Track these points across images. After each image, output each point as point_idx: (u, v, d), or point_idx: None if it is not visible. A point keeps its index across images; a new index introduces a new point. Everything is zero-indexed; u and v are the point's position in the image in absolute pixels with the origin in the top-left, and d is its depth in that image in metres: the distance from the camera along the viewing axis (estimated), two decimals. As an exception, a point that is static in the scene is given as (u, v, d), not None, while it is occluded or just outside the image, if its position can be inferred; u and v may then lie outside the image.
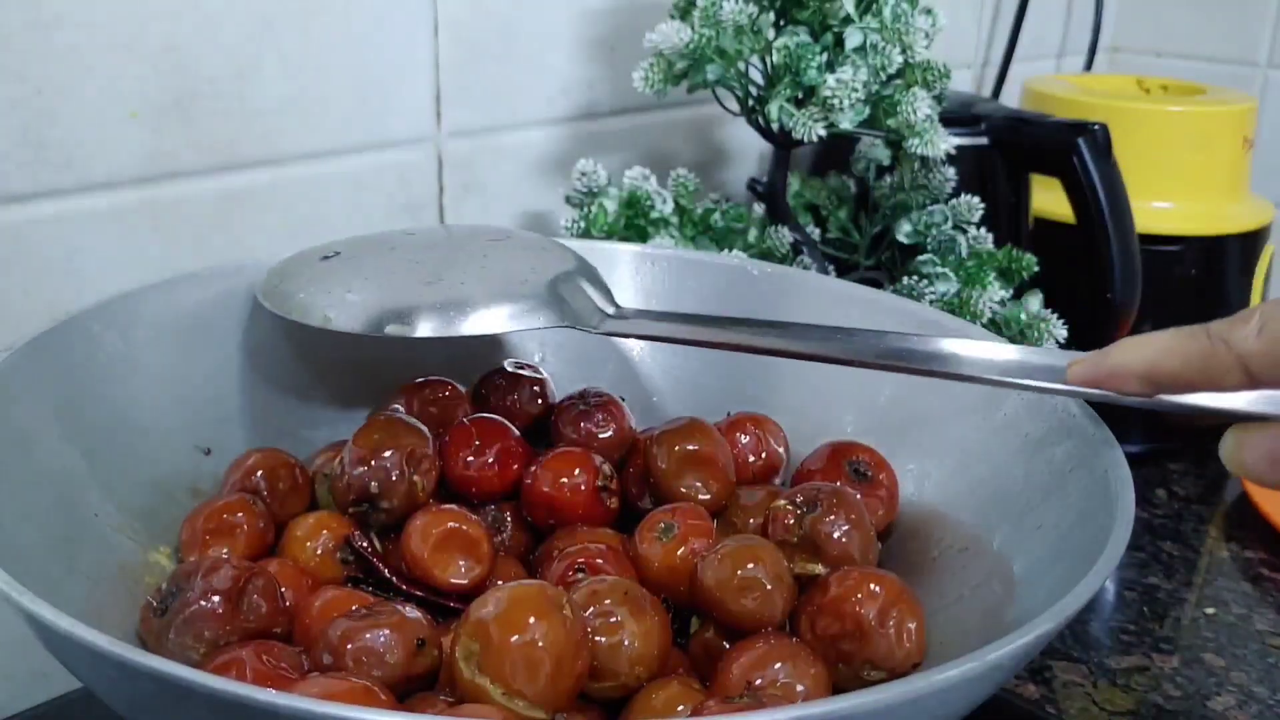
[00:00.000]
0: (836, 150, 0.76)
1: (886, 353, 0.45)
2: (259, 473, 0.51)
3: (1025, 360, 0.43)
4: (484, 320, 0.48)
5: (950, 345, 0.44)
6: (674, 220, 0.72)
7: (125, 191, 0.61)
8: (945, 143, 0.66)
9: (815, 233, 0.76)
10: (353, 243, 0.55)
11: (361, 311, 0.48)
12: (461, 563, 0.46)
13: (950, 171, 0.71)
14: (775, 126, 0.66)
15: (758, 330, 0.48)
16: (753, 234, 0.73)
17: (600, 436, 0.54)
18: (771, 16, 0.65)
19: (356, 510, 0.48)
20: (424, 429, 0.50)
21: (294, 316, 0.50)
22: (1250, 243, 0.82)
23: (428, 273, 0.51)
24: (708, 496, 0.50)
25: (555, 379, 0.58)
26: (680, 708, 0.38)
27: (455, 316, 0.48)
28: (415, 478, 0.48)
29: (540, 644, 0.36)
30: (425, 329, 0.47)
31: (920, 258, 0.70)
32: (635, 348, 0.60)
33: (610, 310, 0.51)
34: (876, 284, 0.71)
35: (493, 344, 0.59)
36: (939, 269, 0.69)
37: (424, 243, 0.56)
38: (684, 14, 0.66)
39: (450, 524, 0.46)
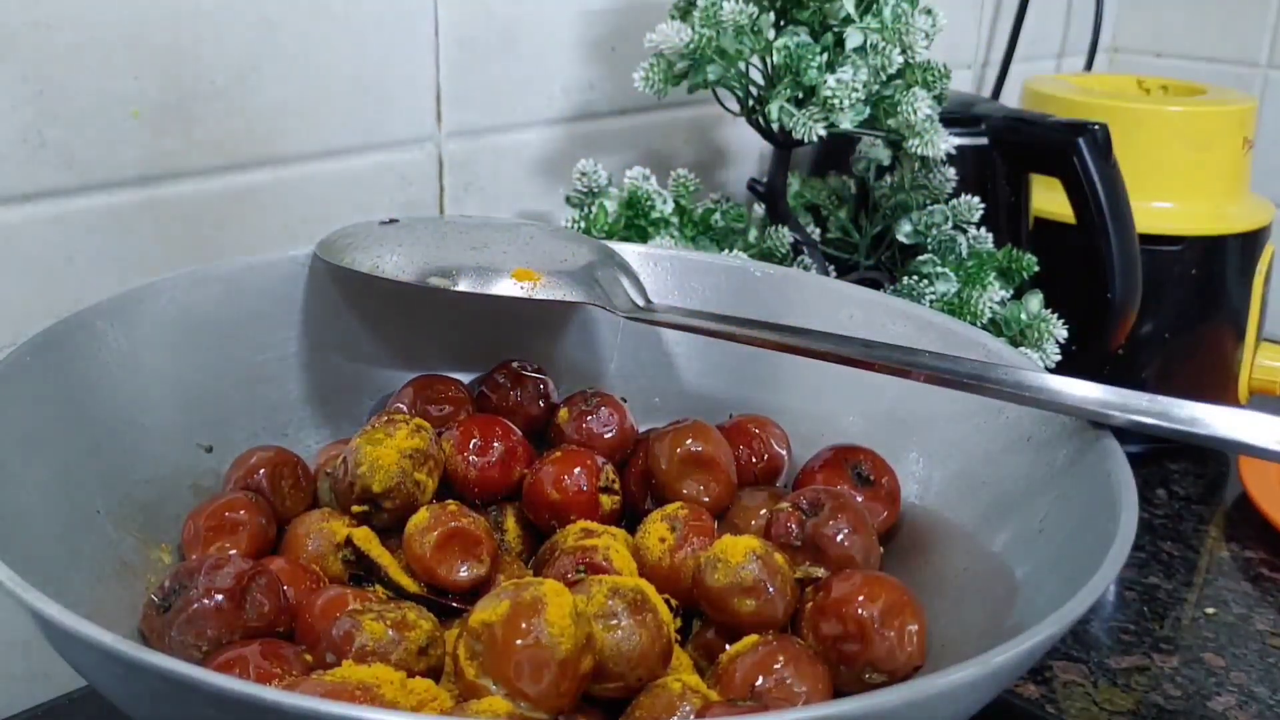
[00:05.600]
0: (836, 150, 0.76)
1: (903, 360, 0.48)
2: (261, 471, 0.51)
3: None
4: (518, 285, 0.51)
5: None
6: (674, 220, 0.72)
7: (126, 191, 0.61)
8: (945, 143, 0.66)
9: (815, 233, 0.76)
10: (410, 217, 0.61)
11: (409, 264, 0.52)
12: (464, 562, 0.46)
13: (950, 171, 0.71)
14: (775, 126, 0.66)
15: (786, 333, 0.51)
16: (753, 234, 0.73)
17: (602, 437, 0.54)
18: (771, 17, 0.65)
19: (359, 509, 0.48)
20: (427, 428, 0.50)
21: (344, 264, 0.53)
22: (1250, 243, 0.82)
23: (474, 241, 0.55)
24: (709, 498, 0.50)
25: (558, 379, 0.58)
26: (683, 709, 0.38)
27: (493, 277, 0.51)
28: (418, 477, 0.48)
29: (544, 645, 0.36)
30: (464, 284, 0.51)
31: (920, 258, 0.70)
32: (638, 350, 0.60)
33: (641, 303, 0.53)
34: (876, 284, 0.71)
35: (495, 344, 0.59)
36: (939, 269, 0.69)
37: (475, 223, 0.60)
38: (684, 14, 0.66)
39: (452, 524, 0.46)
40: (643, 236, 0.70)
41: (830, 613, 0.42)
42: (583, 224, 0.70)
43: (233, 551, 0.47)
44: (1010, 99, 1.00)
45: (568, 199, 0.72)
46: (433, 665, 0.41)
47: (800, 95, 0.65)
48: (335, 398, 0.57)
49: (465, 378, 0.58)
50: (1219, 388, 0.84)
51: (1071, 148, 0.70)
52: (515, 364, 0.58)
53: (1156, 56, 1.18)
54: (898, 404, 0.53)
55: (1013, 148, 0.76)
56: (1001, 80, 1.07)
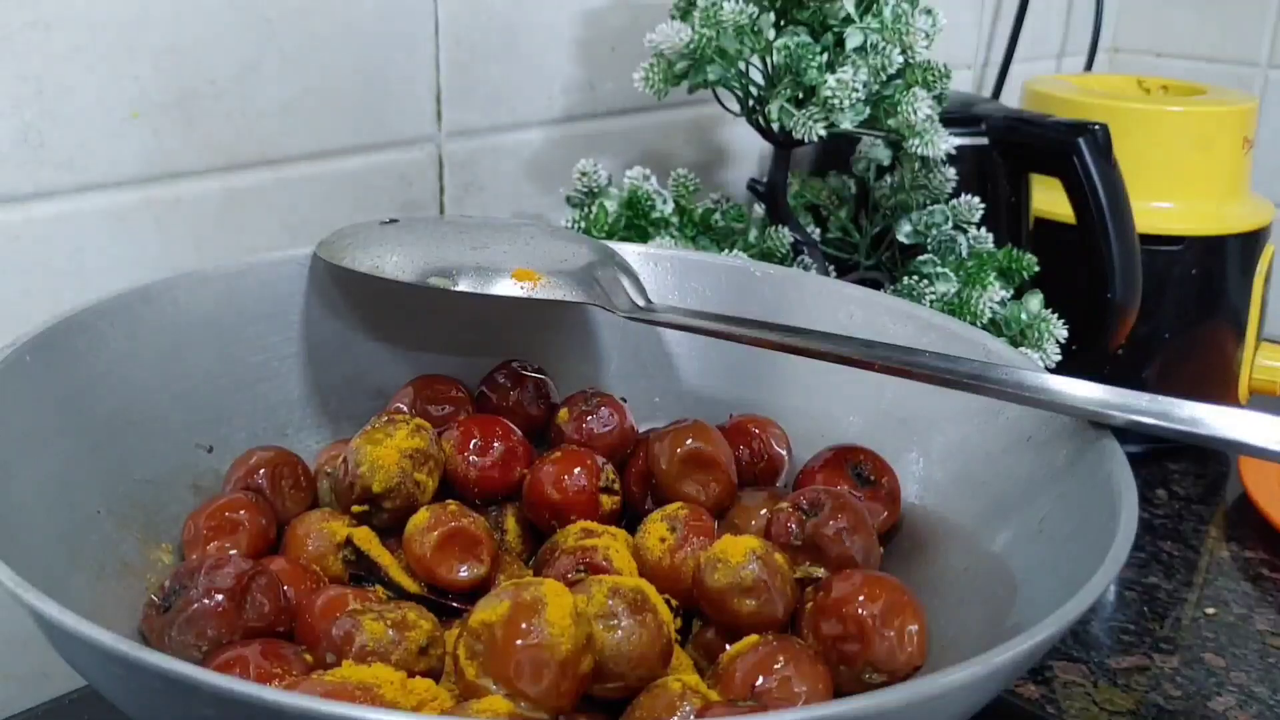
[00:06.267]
0: (836, 150, 0.76)
1: (903, 360, 0.48)
2: (261, 471, 0.51)
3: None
4: (518, 285, 0.51)
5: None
6: (674, 220, 0.72)
7: (126, 191, 0.61)
8: (945, 143, 0.66)
9: (815, 233, 0.76)
10: (411, 216, 0.61)
11: (409, 264, 0.52)
12: (464, 562, 0.46)
13: (950, 171, 0.71)
14: (775, 126, 0.66)
15: (786, 333, 0.50)
16: (753, 234, 0.73)
17: (602, 437, 0.54)
18: (772, 17, 0.65)
19: (359, 509, 0.48)
20: (427, 428, 0.50)
21: (344, 264, 0.53)
22: (1250, 243, 0.82)
23: (474, 241, 0.55)
24: (709, 498, 0.50)
25: (558, 379, 0.58)
26: (683, 709, 0.38)
27: (493, 277, 0.51)
28: (418, 477, 0.48)
29: (544, 645, 0.36)
30: (464, 284, 0.51)
31: (920, 258, 0.70)
32: (638, 349, 0.60)
33: (641, 303, 0.53)
34: (876, 284, 0.71)
35: (495, 344, 0.59)
36: (939, 269, 0.69)
37: (475, 223, 0.60)
38: (684, 14, 0.66)
39: (452, 524, 0.46)
40: (643, 236, 0.70)
41: (830, 613, 0.42)
42: (583, 224, 0.70)
43: (233, 551, 0.47)
44: (1010, 99, 1.00)
45: (568, 199, 0.72)
46: (433, 665, 0.41)
47: (800, 95, 0.65)
48: (335, 398, 0.57)
49: (465, 378, 0.58)
50: (1219, 388, 0.84)
51: (1071, 148, 0.70)
52: (515, 364, 0.58)
53: (1156, 56, 1.18)
54: (898, 404, 0.53)
55: (1013, 148, 0.76)
56: (1001, 80, 1.07)
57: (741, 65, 0.66)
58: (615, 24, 0.79)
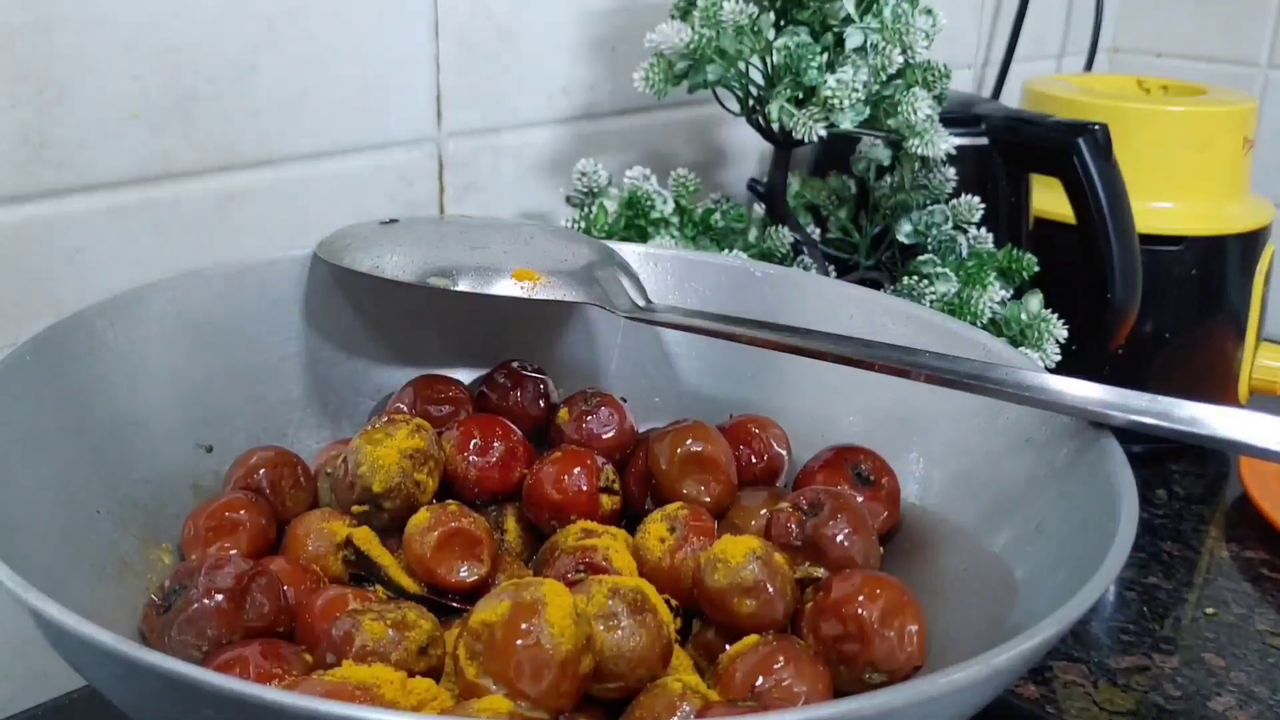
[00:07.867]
0: (836, 150, 0.76)
1: (903, 360, 0.48)
2: (261, 471, 0.51)
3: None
4: (518, 285, 0.51)
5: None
6: (674, 220, 0.72)
7: (125, 191, 0.61)
8: (945, 143, 0.66)
9: (815, 233, 0.76)
10: (410, 217, 0.62)
11: (409, 263, 0.52)
12: (464, 562, 0.46)
13: (950, 171, 0.71)
14: (775, 126, 0.66)
15: (786, 333, 0.50)
16: (753, 234, 0.73)
17: (602, 437, 0.54)
18: (772, 17, 0.65)
19: (359, 509, 0.48)
20: (427, 428, 0.50)
21: (345, 264, 0.53)
22: (1251, 243, 0.82)
23: (474, 241, 0.55)
24: (709, 498, 0.50)
25: (558, 379, 0.58)
26: (682, 709, 0.38)
27: (493, 277, 0.52)
28: (418, 477, 0.48)
29: (544, 645, 0.36)
30: (464, 284, 0.51)
31: (920, 258, 0.70)
32: (638, 350, 0.60)
33: (641, 303, 0.54)
34: (876, 284, 0.71)
35: (495, 344, 0.59)
36: (939, 269, 0.69)
37: (475, 223, 0.61)
38: (684, 14, 0.66)
39: (452, 524, 0.46)
40: (643, 236, 0.70)
41: (830, 613, 0.42)
42: (583, 224, 0.70)
43: (233, 551, 0.47)
44: (1010, 99, 1.00)
45: (568, 199, 0.72)
46: (433, 665, 0.41)
47: (800, 95, 0.65)
48: (335, 398, 0.57)
49: (465, 378, 0.58)
50: (1219, 388, 0.84)
51: (1071, 148, 0.70)
52: (515, 364, 0.58)
53: (1156, 56, 1.18)
54: (898, 404, 0.53)
55: (1013, 148, 0.76)
56: (1001, 80, 1.07)
57: (741, 65, 0.66)
58: (615, 24, 0.79)
